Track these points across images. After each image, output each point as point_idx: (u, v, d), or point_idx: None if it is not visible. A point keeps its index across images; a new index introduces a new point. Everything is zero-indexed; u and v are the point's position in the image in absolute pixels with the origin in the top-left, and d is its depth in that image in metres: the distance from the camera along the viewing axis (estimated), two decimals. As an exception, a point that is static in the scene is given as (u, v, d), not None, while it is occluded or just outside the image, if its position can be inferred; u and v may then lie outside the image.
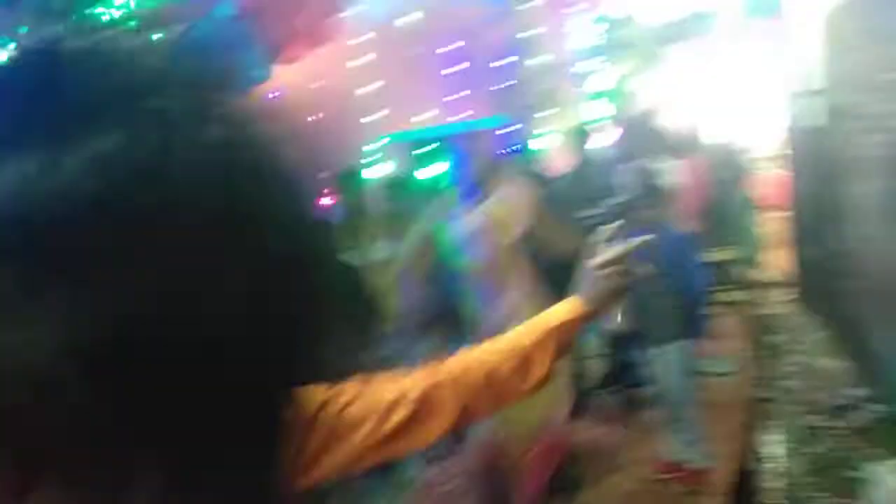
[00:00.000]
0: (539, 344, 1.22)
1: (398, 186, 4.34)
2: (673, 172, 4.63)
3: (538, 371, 1.21)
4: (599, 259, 1.33)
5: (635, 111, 7.79)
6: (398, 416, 1.10)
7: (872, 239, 3.82)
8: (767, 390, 4.52)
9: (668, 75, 9.31)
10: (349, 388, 1.14)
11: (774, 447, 3.99)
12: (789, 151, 5.97)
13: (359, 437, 1.09)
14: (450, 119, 6.41)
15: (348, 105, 5.93)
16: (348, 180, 4.62)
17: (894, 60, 3.27)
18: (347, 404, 1.10)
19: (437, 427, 1.14)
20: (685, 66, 9.27)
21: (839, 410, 3.88)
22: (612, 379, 4.44)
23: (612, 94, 8.18)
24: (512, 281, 3.08)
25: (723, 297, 5.89)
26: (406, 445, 1.13)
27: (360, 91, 6.43)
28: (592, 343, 4.80)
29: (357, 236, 4.02)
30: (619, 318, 3.43)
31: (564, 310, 1.29)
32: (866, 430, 3.61)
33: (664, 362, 3.31)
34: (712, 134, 7.14)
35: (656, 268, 3.27)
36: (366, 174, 5.02)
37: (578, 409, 4.24)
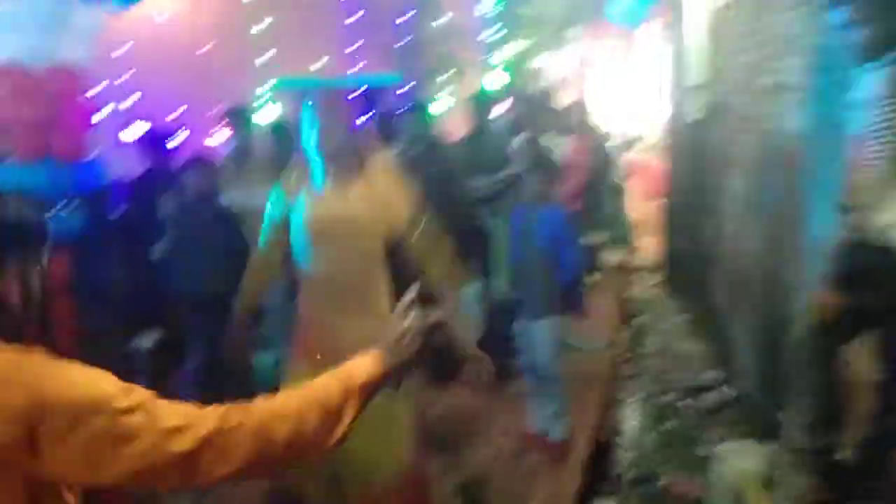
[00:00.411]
0: (347, 401, 1.21)
1: (284, 133, 4.11)
2: (561, 150, 4.68)
3: (342, 428, 1.20)
4: (399, 328, 1.31)
5: (531, 85, 7.86)
6: (178, 447, 1.05)
7: (736, 232, 4.07)
8: (629, 368, 4.76)
9: (567, 55, 9.49)
10: (139, 394, 1.08)
11: (630, 422, 4.21)
12: (669, 142, 6.26)
13: (130, 450, 1.03)
14: (344, 71, 6.18)
15: (239, 41, 5.58)
16: (237, 119, 4.34)
17: (770, 64, 3.45)
18: (129, 410, 1.04)
19: (220, 470, 1.09)
20: (584, 48, 9.50)
21: (693, 391, 4.14)
22: (485, 348, 4.47)
23: (511, 66, 8.20)
24: (370, 297, 2.42)
25: (594, 276, 6.12)
26: (181, 479, 1.08)
27: (252, 29, 6.05)
28: (469, 311, 4.82)
29: (243, 178, 3.81)
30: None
31: (367, 367, 1.27)
32: (716, 410, 3.87)
33: (535, 336, 3.35)
34: (599, 117, 7.34)
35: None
36: (255, 117, 4.73)
37: (448, 375, 4.27)
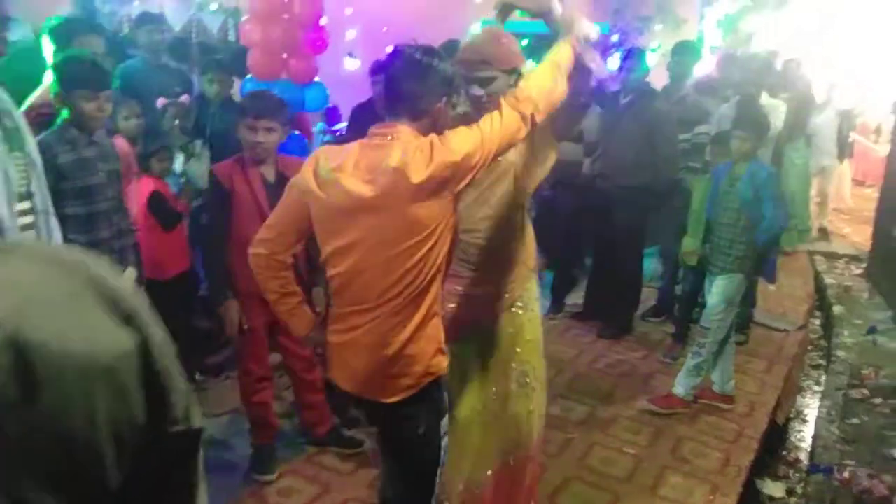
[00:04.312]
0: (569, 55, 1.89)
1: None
2: (776, 113, 4.39)
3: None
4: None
5: (743, 45, 7.37)
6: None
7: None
8: (821, 357, 4.47)
9: (786, 19, 8.71)
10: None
11: (813, 411, 3.98)
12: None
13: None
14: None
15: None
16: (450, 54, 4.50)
17: None
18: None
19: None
20: (808, 14, 8.65)
21: (890, 390, 3.82)
22: (663, 308, 4.42)
23: (726, 24, 7.70)
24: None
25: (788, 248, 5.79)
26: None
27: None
28: (653, 271, 4.75)
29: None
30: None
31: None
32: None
33: (717, 290, 3.26)
34: (819, 85, 6.74)
35: (736, 202, 3.22)
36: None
37: (622, 330, 4.27)
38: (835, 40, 8.49)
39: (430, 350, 1.76)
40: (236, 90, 4.19)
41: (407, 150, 1.65)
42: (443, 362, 1.81)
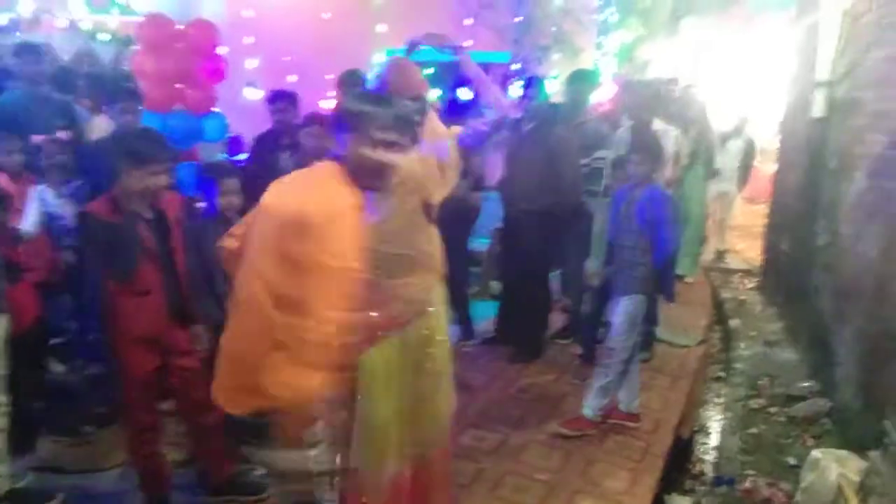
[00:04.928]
0: None
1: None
2: (667, 138, 4.58)
3: None
4: None
5: (639, 72, 7.70)
6: None
7: (852, 236, 3.87)
8: (718, 369, 4.64)
9: (679, 45, 9.20)
10: None
11: (714, 423, 4.12)
12: (783, 141, 5.98)
13: None
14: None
15: (358, 13, 5.72)
16: (353, 84, 4.46)
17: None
18: None
19: None
20: (699, 38, 9.16)
21: (786, 399, 3.99)
22: (571, 329, 4.50)
23: (623, 52, 8.04)
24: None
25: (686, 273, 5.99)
26: None
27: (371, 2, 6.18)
28: (557, 292, 4.83)
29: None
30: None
31: None
32: (809, 419, 3.73)
33: (618, 311, 3.34)
34: (709, 110, 7.11)
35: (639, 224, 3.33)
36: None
37: (536, 356, 4.30)
38: (720, 65, 9.04)
39: None
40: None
41: None
42: None
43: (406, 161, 2.00)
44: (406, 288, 2.15)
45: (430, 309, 2.25)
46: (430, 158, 2.19)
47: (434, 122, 2.32)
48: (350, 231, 1.90)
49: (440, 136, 2.32)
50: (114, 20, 5.67)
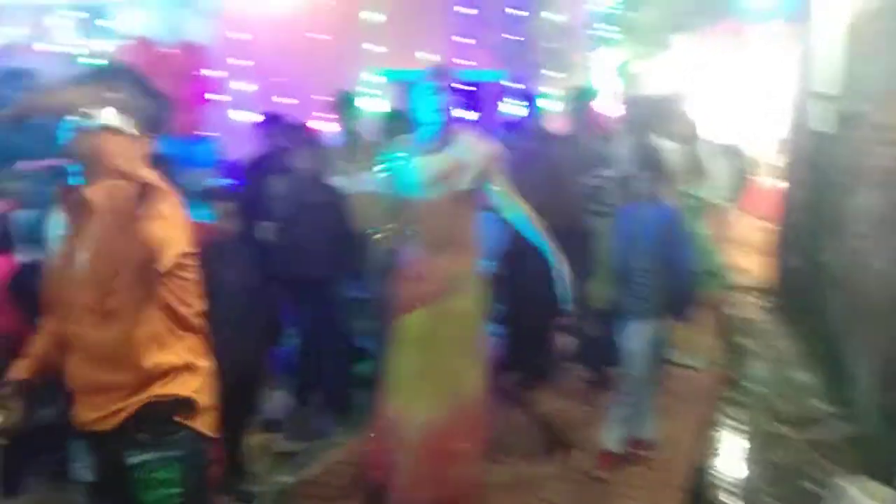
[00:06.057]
0: None
1: (395, 121, 4.10)
2: (671, 154, 4.48)
3: None
4: None
5: (635, 89, 7.65)
6: None
7: (864, 252, 3.74)
8: (733, 392, 4.48)
9: (676, 62, 9.16)
10: None
11: (729, 448, 3.96)
12: (789, 156, 5.89)
13: None
14: (453, 65, 6.16)
15: (352, 33, 5.65)
16: (345, 106, 4.37)
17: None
18: None
19: None
20: (693, 55, 9.13)
21: (804, 423, 3.85)
22: (584, 355, 4.35)
23: (620, 69, 8.00)
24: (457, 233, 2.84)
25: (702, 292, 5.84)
26: None
27: (365, 22, 6.11)
28: (569, 316, 4.68)
29: (350, 162, 3.82)
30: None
31: None
32: (829, 445, 3.58)
33: (631, 338, 3.20)
34: (706, 125, 7.03)
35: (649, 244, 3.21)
36: (364, 105, 4.76)
37: (544, 381, 4.15)
38: (713, 79, 9.00)
39: None
40: None
41: None
42: None
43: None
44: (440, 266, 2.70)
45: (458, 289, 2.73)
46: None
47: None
48: None
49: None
50: (100, 44, 5.58)
